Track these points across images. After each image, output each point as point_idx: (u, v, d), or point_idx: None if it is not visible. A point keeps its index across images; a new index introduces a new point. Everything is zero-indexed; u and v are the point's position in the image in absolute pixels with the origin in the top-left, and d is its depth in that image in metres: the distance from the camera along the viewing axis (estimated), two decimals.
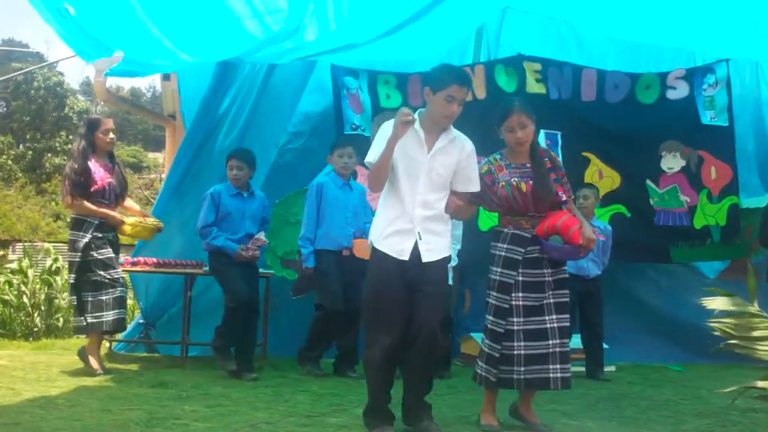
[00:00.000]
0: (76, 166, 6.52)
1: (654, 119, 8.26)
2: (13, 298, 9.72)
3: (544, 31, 8.60)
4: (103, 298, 6.51)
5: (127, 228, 6.73)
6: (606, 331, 7.54)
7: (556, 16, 8.43)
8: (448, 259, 4.69)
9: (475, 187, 4.73)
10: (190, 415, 4.93)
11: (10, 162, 34.03)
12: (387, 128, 4.54)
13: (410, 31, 6.91)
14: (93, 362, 6.52)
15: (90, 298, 6.53)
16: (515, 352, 4.72)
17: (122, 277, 6.71)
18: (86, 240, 6.51)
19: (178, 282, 7.60)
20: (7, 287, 9.97)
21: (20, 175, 32.87)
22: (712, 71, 8.33)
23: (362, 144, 7.87)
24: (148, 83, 65.61)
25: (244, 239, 6.82)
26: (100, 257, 6.54)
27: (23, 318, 9.60)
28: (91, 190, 6.53)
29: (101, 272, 6.52)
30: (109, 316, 6.51)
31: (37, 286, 9.93)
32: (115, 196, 6.74)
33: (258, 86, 7.93)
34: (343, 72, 7.92)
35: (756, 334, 3.47)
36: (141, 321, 7.99)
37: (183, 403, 5.35)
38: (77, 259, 6.53)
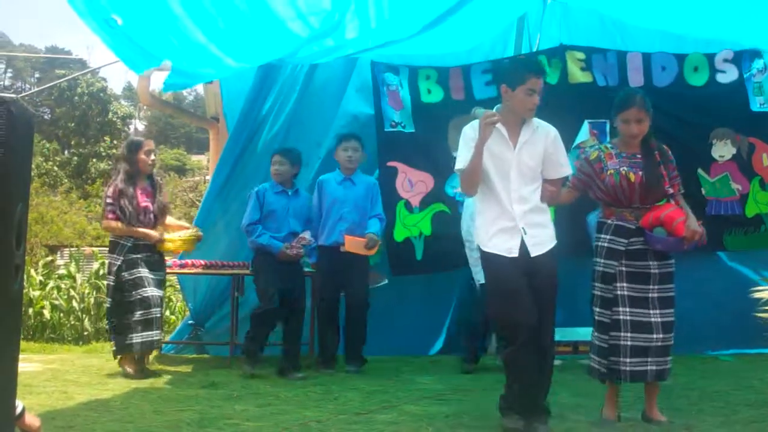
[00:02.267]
0: (116, 190, 6.58)
1: (704, 104, 8.08)
2: (62, 302, 9.85)
3: (586, 23, 8.46)
4: (132, 319, 6.52)
5: (168, 245, 6.78)
6: None
7: (598, 8, 8.31)
8: (555, 249, 4.65)
9: (567, 170, 4.75)
10: (241, 415, 4.96)
11: (56, 168, 34.50)
12: (470, 132, 4.56)
13: (451, 24, 6.86)
14: (129, 371, 6.56)
15: (122, 320, 6.57)
16: (622, 342, 4.71)
17: (156, 297, 6.65)
18: (119, 263, 6.58)
19: (225, 283, 7.66)
20: (56, 292, 10.11)
21: (66, 180, 33.29)
22: (760, 56, 8.17)
23: (403, 140, 7.90)
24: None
25: (288, 237, 6.83)
26: (130, 278, 6.57)
27: (73, 322, 9.72)
28: (128, 213, 6.58)
29: (132, 292, 6.54)
30: (137, 338, 6.53)
31: (86, 291, 10.05)
32: (154, 217, 6.77)
33: (300, 86, 7.92)
34: (383, 68, 7.90)
35: None
36: (190, 322, 8.04)
37: (234, 403, 5.39)
38: (111, 283, 6.62)
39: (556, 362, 7.39)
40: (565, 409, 5.18)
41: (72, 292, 10.01)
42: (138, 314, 6.51)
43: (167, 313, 10.05)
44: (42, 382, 6.18)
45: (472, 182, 4.56)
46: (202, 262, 7.41)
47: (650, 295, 4.75)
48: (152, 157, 6.75)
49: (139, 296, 6.54)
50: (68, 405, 5.29)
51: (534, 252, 4.53)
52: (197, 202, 21.15)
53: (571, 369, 7.12)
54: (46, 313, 9.72)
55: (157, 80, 8.72)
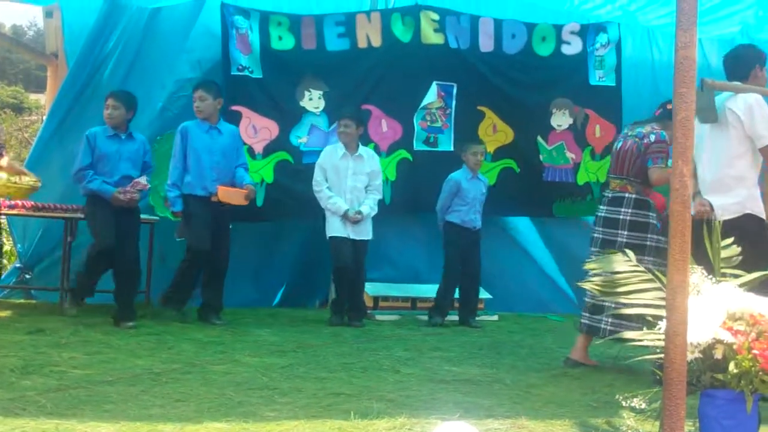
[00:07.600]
0: None
1: (548, 74, 8.43)
2: None
3: None
4: None
5: None
6: (490, 282, 7.76)
7: None
8: None
9: None
10: (69, 362, 4.78)
11: None
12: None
13: None
14: None
15: None
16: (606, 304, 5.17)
17: None
18: None
19: (58, 227, 7.34)
20: None
21: None
22: (605, 30, 8.54)
23: (250, 85, 7.76)
24: (29, 21, 62.84)
25: (121, 182, 6.55)
26: None
27: None
28: None
29: None
30: None
31: None
32: None
33: (143, 26, 7.64)
34: (233, 11, 7.67)
35: (622, 289, 3.44)
36: (18, 266, 7.70)
37: (61, 350, 5.17)
38: None
39: (393, 317, 7.55)
40: (398, 363, 5.29)
41: None
42: None
43: None
44: None
45: None
46: (33, 203, 7.06)
47: None
48: None
49: None
50: None
51: None
52: (32, 142, 20.23)
53: (407, 324, 7.28)
54: None
55: None
